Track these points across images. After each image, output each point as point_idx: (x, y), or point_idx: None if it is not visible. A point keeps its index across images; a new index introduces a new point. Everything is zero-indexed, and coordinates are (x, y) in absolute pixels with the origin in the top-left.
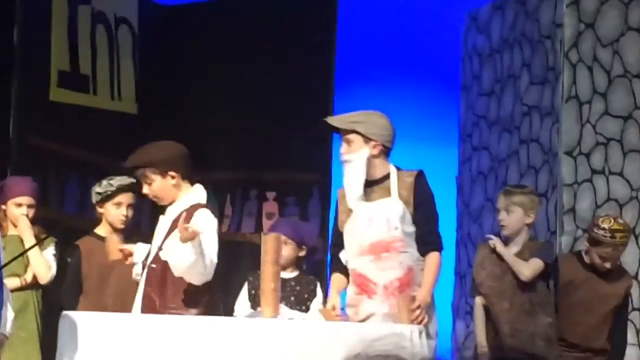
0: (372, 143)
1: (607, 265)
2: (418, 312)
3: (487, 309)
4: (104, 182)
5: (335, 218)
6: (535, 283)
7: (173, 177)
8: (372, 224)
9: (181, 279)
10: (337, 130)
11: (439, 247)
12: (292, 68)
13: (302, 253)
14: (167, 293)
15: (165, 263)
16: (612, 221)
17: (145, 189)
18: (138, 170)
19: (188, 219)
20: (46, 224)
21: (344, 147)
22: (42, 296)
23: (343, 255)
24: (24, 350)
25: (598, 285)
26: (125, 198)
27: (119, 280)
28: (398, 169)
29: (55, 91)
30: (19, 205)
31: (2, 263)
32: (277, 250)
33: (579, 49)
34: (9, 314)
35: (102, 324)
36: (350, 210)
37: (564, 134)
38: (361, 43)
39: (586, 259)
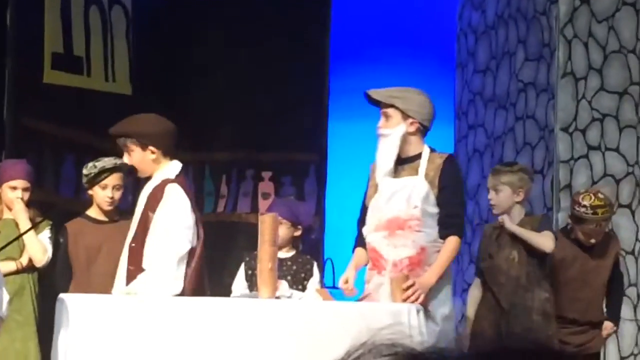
0: (410, 120)
1: (592, 241)
2: (410, 291)
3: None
4: (90, 164)
5: (365, 193)
6: (530, 258)
7: (153, 152)
8: (392, 200)
9: None
10: (377, 103)
11: (459, 232)
12: (288, 48)
13: (298, 233)
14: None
15: (145, 241)
16: (593, 197)
17: (126, 158)
18: (120, 139)
19: (159, 194)
20: (42, 207)
21: (381, 121)
22: (38, 279)
23: (365, 230)
24: (21, 334)
25: (588, 260)
26: (111, 180)
27: (107, 261)
28: (432, 150)
29: (49, 73)
30: (14, 188)
31: None
32: (274, 231)
33: (574, 25)
34: (5, 296)
35: (98, 306)
36: (376, 186)
37: (559, 110)
38: (356, 20)
39: (573, 235)
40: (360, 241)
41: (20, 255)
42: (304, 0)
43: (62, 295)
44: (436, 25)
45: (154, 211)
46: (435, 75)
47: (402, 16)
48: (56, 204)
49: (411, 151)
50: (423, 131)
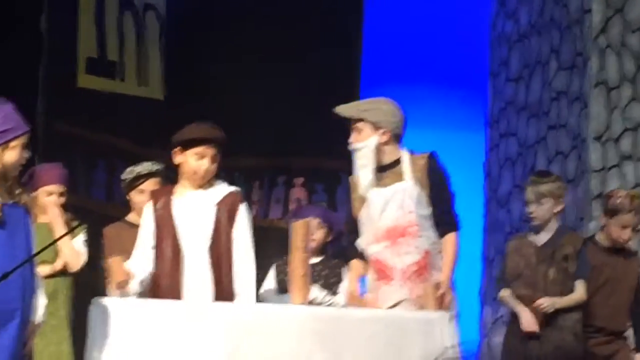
0: (381, 130)
1: (627, 234)
2: (444, 298)
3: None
4: (129, 168)
5: (350, 206)
6: (566, 278)
7: (216, 161)
8: (387, 209)
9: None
10: (347, 119)
11: (455, 227)
12: (320, 56)
13: (330, 238)
14: (225, 280)
15: (225, 248)
16: (625, 192)
17: (206, 163)
18: (211, 144)
19: (234, 206)
20: (74, 211)
21: (353, 136)
22: (73, 283)
23: (359, 242)
24: (55, 337)
25: (616, 265)
26: (148, 185)
27: None
28: (411, 152)
29: (83, 77)
30: (50, 193)
31: (34, 252)
32: (306, 237)
33: (608, 34)
34: (42, 301)
35: (132, 310)
36: (363, 198)
37: (592, 119)
38: (388, 30)
39: (601, 240)
40: (353, 254)
41: (55, 259)
42: (336, 9)
43: (96, 299)
44: (469, 34)
45: (231, 225)
46: (468, 83)
47: (435, 25)
48: (89, 208)
49: (388, 159)
50: (396, 138)
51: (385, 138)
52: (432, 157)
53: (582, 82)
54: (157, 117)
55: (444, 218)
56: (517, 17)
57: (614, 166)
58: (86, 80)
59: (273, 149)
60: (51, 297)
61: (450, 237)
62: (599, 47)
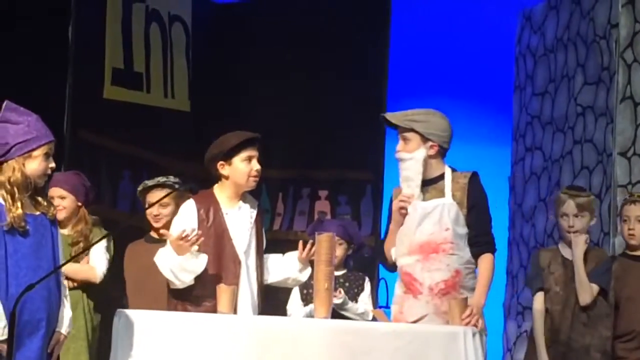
0: (430, 143)
1: (633, 232)
2: (470, 318)
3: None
4: (145, 182)
5: (389, 215)
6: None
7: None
8: (423, 223)
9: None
10: (395, 126)
11: (492, 249)
12: (346, 67)
13: (350, 252)
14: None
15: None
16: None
17: (256, 164)
18: (254, 146)
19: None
20: (100, 222)
21: (400, 145)
22: (93, 293)
23: (395, 253)
24: (73, 347)
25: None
26: (156, 197)
27: (155, 285)
28: (453, 170)
29: (109, 89)
30: (51, 197)
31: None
32: (331, 250)
33: (634, 49)
34: (67, 312)
35: (156, 322)
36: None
37: (618, 134)
38: (415, 42)
39: (628, 250)
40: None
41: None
42: (363, 21)
43: (120, 310)
44: (495, 47)
45: (262, 233)
46: (494, 97)
47: (460, 38)
48: (114, 219)
49: (433, 173)
50: (442, 153)
51: (432, 152)
52: (474, 177)
53: (608, 97)
54: (182, 129)
55: (480, 239)
56: (543, 31)
57: (639, 181)
58: (112, 92)
59: (298, 160)
60: (71, 307)
61: (487, 258)
62: (625, 62)
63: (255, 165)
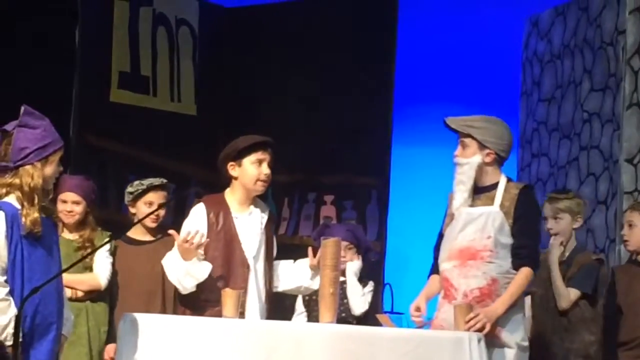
0: (487, 151)
1: (625, 237)
2: (473, 321)
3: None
4: (136, 182)
5: (443, 221)
6: (580, 299)
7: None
8: (466, 229)
9: None
10: (455, 131)
11: (532, 264)
12: (353, 72)
13: (356, 257)
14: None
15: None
16: None
17: (266, 168)
18: (267, 149)
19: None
20: (105, 225)
21: (458, 150)
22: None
23: (440, 258)
24: (73, 353)
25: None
26: (157, 197)
27: (141, 286)
28: (509, 179)
29: (115, 92)
30: (64, 202)
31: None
32: (336, 255)
33: None
34: (68, 314)
35: (162, 325)
36: (452, 215)
37: (624, 141)
38: (421, 49)
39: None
40: (435, 269)
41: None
42: (370, 26)
43: (126, 314)
44: (502, 53)
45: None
46: (500, 103)
47: (467, 44)
48: (120, 222)
49: (488, 181)
50: (500, 161)
51: (489, 159)
52: (526, 189)
53: (615, 104)
54: (189, 133)
55: (522, 251)
56: (550, 37)
57: None
58: (119, 95)
59: (304, 165)
60: (74, 313)
61: (524, 271)
62: (632, 69)
63: (265, 169)
